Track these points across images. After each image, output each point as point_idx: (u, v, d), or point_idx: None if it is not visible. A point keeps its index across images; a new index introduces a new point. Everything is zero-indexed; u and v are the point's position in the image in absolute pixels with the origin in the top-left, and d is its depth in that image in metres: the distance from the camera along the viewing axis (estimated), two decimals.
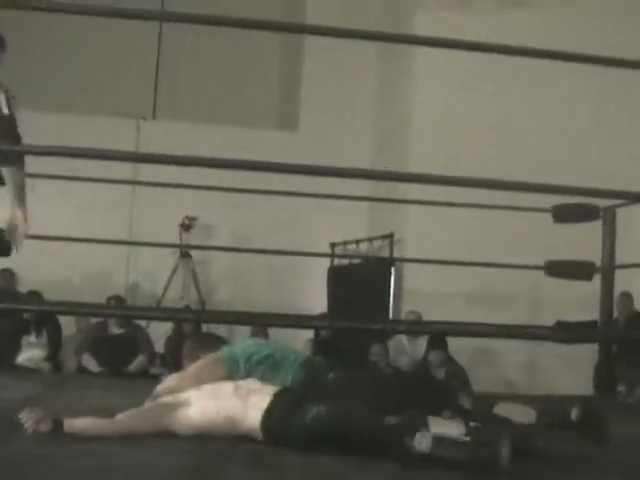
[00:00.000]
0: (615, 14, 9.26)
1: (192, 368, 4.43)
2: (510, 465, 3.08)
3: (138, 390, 5.84)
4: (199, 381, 4.18)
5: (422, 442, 3.24)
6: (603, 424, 3.94)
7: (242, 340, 5.12)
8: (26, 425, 3.41)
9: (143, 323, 8.81)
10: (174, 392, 4.09)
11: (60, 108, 10.59)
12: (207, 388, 3.99)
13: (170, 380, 4.40)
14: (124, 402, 4.65)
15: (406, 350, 8.40)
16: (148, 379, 7.97)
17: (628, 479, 3.38)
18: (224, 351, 4.63)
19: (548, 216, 6.77)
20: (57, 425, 3.43)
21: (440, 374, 7.74)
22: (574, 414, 3.90)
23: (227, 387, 3.95)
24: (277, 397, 3.85)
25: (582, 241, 7.05)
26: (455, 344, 8.06)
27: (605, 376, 7.23)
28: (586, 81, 8.28)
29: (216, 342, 4.83)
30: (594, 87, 9.06)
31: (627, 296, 8.42)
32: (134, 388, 6.00)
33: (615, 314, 7.94)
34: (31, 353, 8.16)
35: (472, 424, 3.67)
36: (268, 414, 3.74)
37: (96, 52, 11.59)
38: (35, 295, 8.07)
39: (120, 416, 3.72)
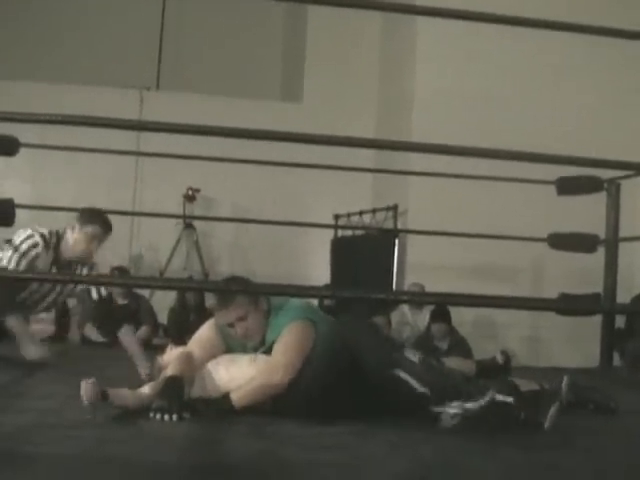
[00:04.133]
0: None
1: (293, 343, 3.76)
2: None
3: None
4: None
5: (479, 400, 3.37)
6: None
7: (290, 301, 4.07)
8: (85, 397, 3.44)
9: (146, 294, 8.83)
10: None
11: (63, 79, 10.56)
12: (224, 358, 3.97)
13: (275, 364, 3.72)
14: (126, 372, 4.69)
15: (409, 322, 8.41)
16: (150, 350, 8.01)
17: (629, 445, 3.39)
18: (308, 315, 3.89)
19: (552, 188, 6.74)
20: (104, 395, 3.46)
21: (443, 345, 7.75)
22: (499, 358, 4.29)
23: (244, 357, 3.94)
24: None
25: (586, 213, 7.03)
26: (458, 316, 8.07)
27: (607, 350, 7.22)
28: (592, 52, 8.24)
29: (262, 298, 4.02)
30: (601, 58, 9.02)
31: None
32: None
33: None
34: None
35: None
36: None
37: (100, 22, 11.56)
38: None
39: (147, 387, 3.74)
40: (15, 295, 5.11)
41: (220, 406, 3.61)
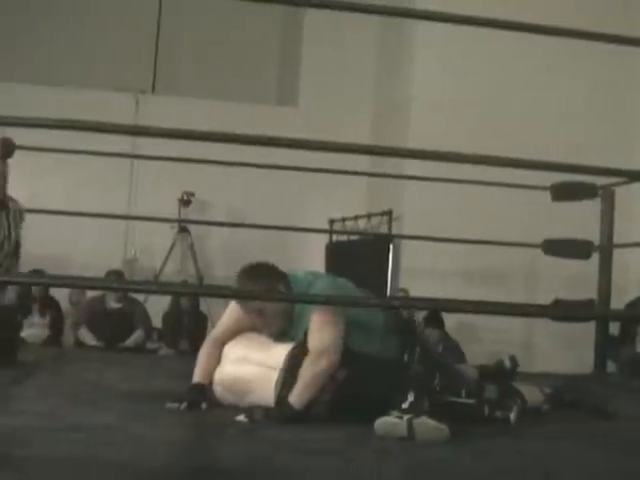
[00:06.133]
0: None
1: (325, 323, 3.75)
2: None
3: (135, 365, 5.86)
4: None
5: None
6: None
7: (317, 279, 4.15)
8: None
9: (141, 298, 8.82)
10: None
11: (58, 82, 10.56)
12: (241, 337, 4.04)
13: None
14: (121, 375, 4.68)
15: None
16: (145, 354, 8.01)
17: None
18: (337, 311, 3.80)
19: (546, 194, 6.75)
20: None
21: (437, 351, 7.75)
22: (507, 363, 4.35)
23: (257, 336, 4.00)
24: None
25: (580, 220, 7.04)
26: (452, 321, 8.07)
27: (601, 356, 7.22)
28: (589, 56, 8.24)
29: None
30: (597, 63, 9.04)
31: None
32: (131, 363, 6.02)
33: None
34: (34, 330, 8.16)
35: None
36: None
37: (96, 25, 11.56)
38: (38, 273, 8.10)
39: None
40: None
41: (282, 414, 3.61)
